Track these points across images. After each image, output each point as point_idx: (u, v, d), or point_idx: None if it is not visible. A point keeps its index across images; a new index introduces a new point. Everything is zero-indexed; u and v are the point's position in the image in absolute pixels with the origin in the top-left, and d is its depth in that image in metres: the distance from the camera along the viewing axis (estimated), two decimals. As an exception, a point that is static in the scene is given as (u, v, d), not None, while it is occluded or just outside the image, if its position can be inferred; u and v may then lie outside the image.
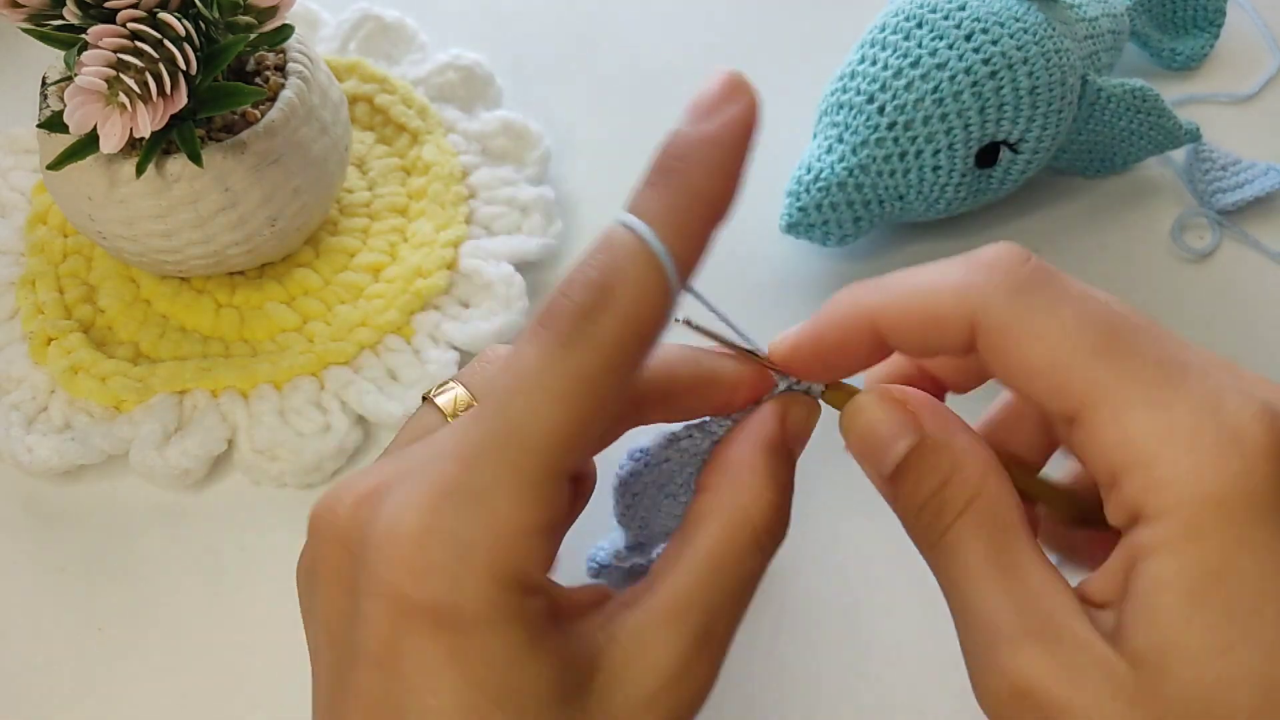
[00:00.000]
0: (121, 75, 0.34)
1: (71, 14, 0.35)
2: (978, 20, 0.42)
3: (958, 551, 0.23)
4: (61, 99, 0.35)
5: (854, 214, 0.43)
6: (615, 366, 0.21)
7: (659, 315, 0.21)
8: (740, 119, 0.21)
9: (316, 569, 0.24)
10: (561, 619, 0.23)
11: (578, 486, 0.27)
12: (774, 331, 0.26)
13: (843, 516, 0.39)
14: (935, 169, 0.42)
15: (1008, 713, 0.22)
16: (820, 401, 0.27)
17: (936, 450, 0.24)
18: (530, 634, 0.22)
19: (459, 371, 0.30)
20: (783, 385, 0.26)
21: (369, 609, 0.22)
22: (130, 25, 0.34)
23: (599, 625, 0.24)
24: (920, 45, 0.42)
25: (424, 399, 0.28)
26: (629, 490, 0.28)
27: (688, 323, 0.25)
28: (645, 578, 0.25)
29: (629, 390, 0.22)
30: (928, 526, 0.24)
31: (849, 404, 0.26)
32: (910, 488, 0.24)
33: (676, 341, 0.26)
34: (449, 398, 0.28)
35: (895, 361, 0.28)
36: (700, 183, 0.21)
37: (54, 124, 0.36)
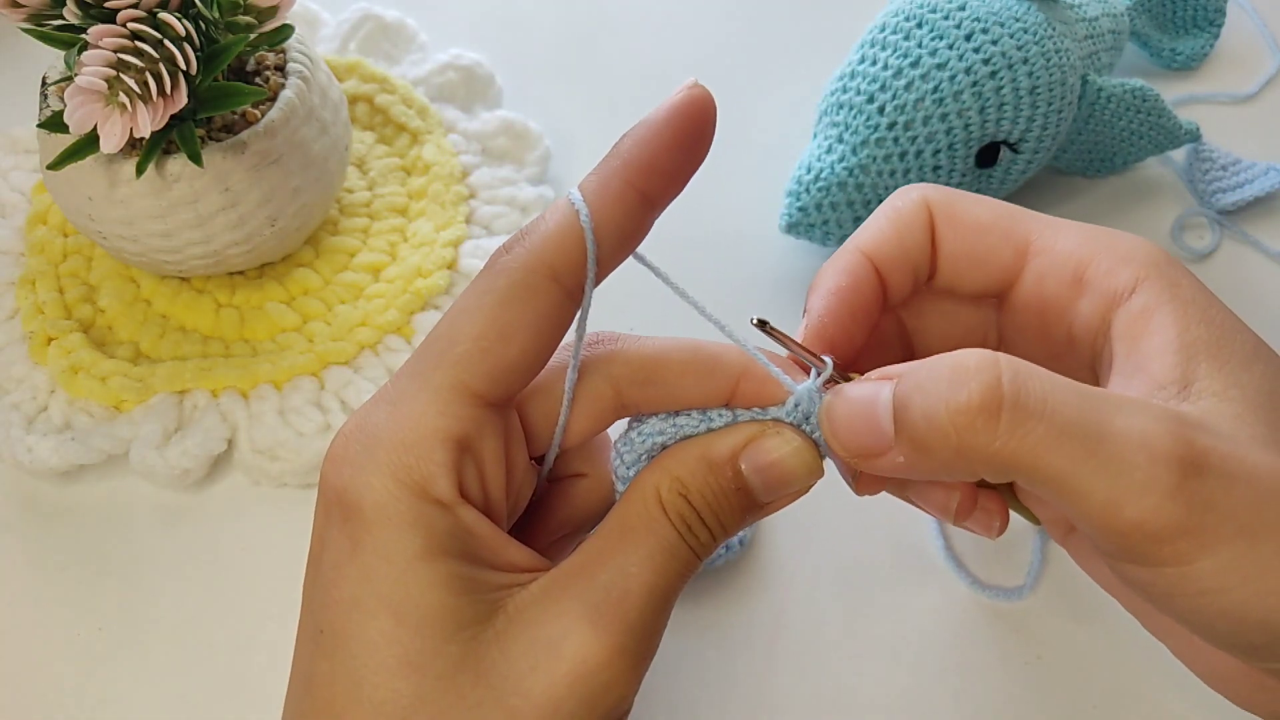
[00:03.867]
0: (122, 75, 0.34)
1: (71, 14, 0.35)
2: (978, 20, 0.42)
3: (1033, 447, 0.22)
4: (61, 99, 0.35)
5: (854, 214, 0.43)
6: (522, 286, 0.24)
7: (567, 250, 0.24)
8: (671, 101, 0.24)
9: None
10: (481, 560, 0.23)
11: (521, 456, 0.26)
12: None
13: (843, 518, 0.39)
14: (935, 169, 0.42)
15: (1181, 498, 0.21)
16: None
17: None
18: (427, 545, 0.23)
19: None
20: (792, 399, 0.25)
21: (316, 508, 0.25)
22: (130, 25, 0.34)
23: (513, 581, 0.24)
24: (920, 45, 0.42)
25: None
26: (617, 454, 0.27)
27: (761, 324, 0.24)
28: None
29: (544, 321, 0.24)
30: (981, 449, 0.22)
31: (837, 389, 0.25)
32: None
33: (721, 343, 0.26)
34: None
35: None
36: (626, 150, 0.24)
37: (54, 124, 0.36)
